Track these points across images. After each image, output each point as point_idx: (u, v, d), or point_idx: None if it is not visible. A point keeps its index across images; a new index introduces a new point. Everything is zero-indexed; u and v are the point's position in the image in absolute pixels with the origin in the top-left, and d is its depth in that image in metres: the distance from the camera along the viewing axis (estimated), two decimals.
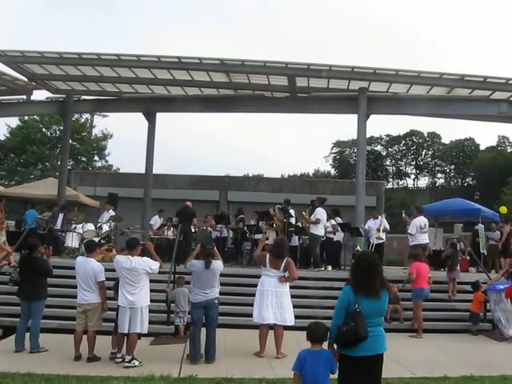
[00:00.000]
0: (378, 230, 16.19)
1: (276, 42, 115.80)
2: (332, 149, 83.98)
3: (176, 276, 11.30)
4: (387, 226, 16.72)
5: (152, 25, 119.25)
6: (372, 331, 5.25)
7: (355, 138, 19.35)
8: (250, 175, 56.93)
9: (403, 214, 16.53)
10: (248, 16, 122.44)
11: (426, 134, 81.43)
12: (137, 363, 8.54)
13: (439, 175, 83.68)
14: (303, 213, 16.22)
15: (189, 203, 16.50)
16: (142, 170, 21.57)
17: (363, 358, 5.21)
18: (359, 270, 5.42)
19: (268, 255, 9.73)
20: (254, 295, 9.90)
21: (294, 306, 9.97)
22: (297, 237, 16.68)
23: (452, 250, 14.82)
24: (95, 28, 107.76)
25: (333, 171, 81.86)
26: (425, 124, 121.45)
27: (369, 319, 5.25)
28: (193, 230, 17.15)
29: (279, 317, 9.47)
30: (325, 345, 5.45)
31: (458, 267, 14.35)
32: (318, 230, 15.44)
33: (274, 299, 9.47)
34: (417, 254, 12.68)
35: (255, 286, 9.97)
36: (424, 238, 14.68)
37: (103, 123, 64.71)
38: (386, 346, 5.45)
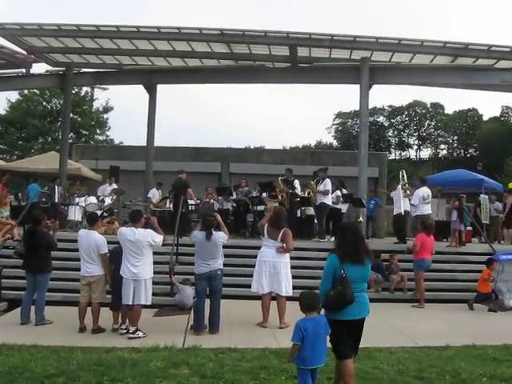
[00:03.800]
0: (405, 189, 15.64)
1: (277, 12, 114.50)
2: (334, 120, 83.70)
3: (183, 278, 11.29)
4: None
5: None
6: (358, 296, 5.64)
7: (357, 108, 19.24)
8: (252, 147, 56.70)
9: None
10: None
11: (428, 105, 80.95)
12: (141, 334, 8.62)
13: (442, 146, 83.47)
14: (311, 182, 16.11)
15: (182, 175, 16.29)
16: (144, 143, 21.51)
17: (350, 321, 5.62)
18: (345, 238, 5.82)
19: (266, 225, 9.75)
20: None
21: (296, 277, 10.01)
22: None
23: (459, 202, 15.01)
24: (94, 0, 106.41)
25: (335, 142, 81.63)
26: (428, 94, 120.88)
27: (354, 284, 5.63)
28: (192, 202, 17.07)
29: (276, 287, 9.54)
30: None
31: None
32: (328, 200, 15.45)
33: (272, 269, 9.53)
34: (430, 225, 12.61)
35: (257, 257, 10.00)
36: (427, 209, 14.63)
37: (104, 96, 64.31)
38: (369, 310, 5.86)
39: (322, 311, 5.79)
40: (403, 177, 16.12)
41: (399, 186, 15.88)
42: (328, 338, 5.67)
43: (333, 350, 5.75)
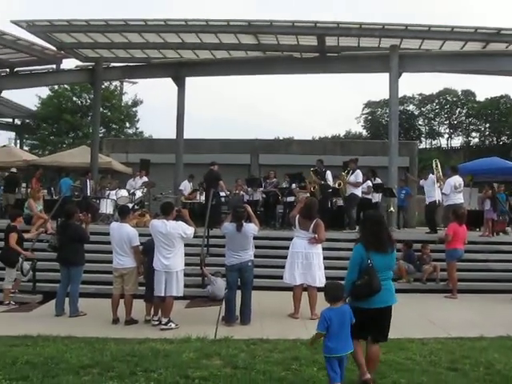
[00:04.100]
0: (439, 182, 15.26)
1: (304, 1, 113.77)
2: (363, 109, 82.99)
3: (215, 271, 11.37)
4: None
5: None
6: (384, 285, 5.73)
7: (387, 97, 19.04)
8: (281, 138, 56.60)
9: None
10: None
11: (459, 92, 79.71)
12: (173, 325, 8.71)
13: (474, 134, 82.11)
14: (342, 173, 16.02)
15: (213, 166, 16.34)
16: (173, 136, 21.62)
17: (376, 309, 5.72)
18: (367, 228, 5.97)
19: (298, 216, 9.74)
20: (286, 257, 9.95)
21: (327, 268, 9.98)
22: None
23: (492, 191, 15.19)
24: None
25: (364, 132, 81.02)
26: (459, 81, 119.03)
27: (379, 273, 5.72)
28: (223, 193, 17.13)
29: (309, 278, 9.53)
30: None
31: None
32: (358, 191, 15.37)
33: (304, 260, 9.51)
34: (462, 214, 12.45)
35: (288, 248, 10.01)
36: (459, 198, 14.42)
37: (133, 90, 64.71)
38: (395, 298, 5.94)
39: (348, 300, 5.85)
40: (437, 166, 15.83)
41: (430, 175, 15.62)
42: None
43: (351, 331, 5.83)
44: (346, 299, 5.81)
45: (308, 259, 9.48)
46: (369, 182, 16.19)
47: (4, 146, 27.58)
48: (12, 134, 38.42)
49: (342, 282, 5.95)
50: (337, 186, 16.05)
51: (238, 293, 9.19)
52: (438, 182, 15.28)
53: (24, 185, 23.31)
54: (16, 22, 17.51)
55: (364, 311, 5.70)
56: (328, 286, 6.02)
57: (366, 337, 5.91)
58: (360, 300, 5.73)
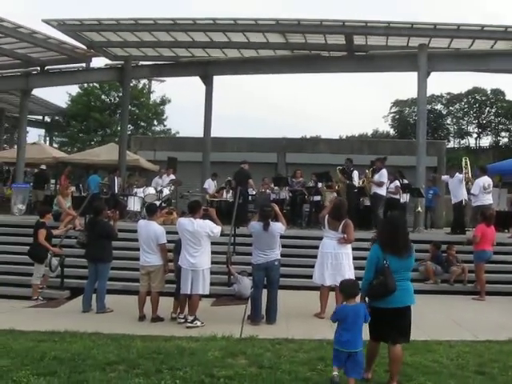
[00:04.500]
0: (467, 182, 15.05)
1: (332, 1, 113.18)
2: (391, 108, 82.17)
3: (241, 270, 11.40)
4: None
5: None
6: (400, 285, 5.76)
7: (415, 96, 19.01)
8: (307, 137, 56.40)
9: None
10: None
11: (489, 92, 78.61)
12: (199, 323, 8.74)
13: (503, 134, 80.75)
14: (366, 171, 15.92)
15: (244, 165, 16.42)
16: (201, 134, 21.71)
17: (393, 309, 5.76)
18: (385, 229, 6.10)
19: (327, 217, 9.70)
20: (313, 257, 9.96)
21: (356, 268, 9.92)
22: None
23: None
24: None
25: (392, 131, 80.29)
26: (488, 80, 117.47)
27: (396, 274, 5.77)
28: (250, 192, 17.17)
29: (339, 278, 9.43)
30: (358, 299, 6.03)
31: None
32: (383, 191, 15.23)
33: (334, 261, 9.46)
34: (490, 215, 12.28)
35: (315, 247, 10.00)
36: (488, 199, 14.25)
37: (161, 88, 65.12)
38: (413, 298, 5.97)
39: (366, 299, 5.97)
40: (466, 165, 15.60)
41: (457, 174, 15.34)
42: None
43: (369, 331, 6.00)
44: (364, 298, 5.94)
45: (338, 259, 9.43)
46: (397, 182, 15.97)
47: (34, 143, 27.90)
48: (42, 131, 38.97)
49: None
50: (360, 183, 15.99)
51: (264, 292, 9.19)
52: (466, 181, 15.08)
53: (53, 181, 23.59)
54: (47, 21, 17.77)
55: (381, 311, 5.79)
56: (343, 283, 6.29)
57: (386, 339, 5.91)
58: (377, 299, 5.82)
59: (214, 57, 20.88)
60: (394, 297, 5.72)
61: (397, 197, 15.78)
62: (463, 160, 15.86)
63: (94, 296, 10.04)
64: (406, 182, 16.61)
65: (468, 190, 14.91)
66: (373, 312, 5.84)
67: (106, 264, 10.11)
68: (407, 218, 16.40)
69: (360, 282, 6.14)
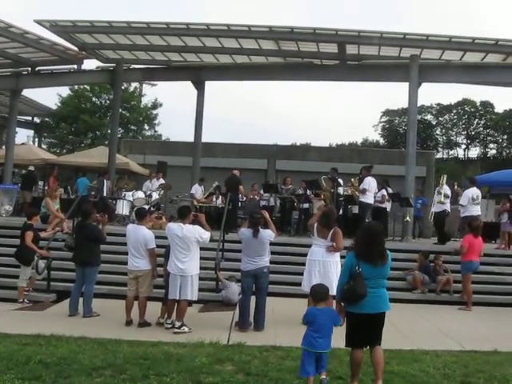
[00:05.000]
0: (439, 193, 15.50)
1: (325, 8, 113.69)
2: (381, 117, 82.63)
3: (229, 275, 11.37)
4: (448, 192, 15.70)
5: None
6: (374, 292, 5.90)
7: (405, 106, 19.09)
8: (298, 144, 56.50)
9: (455, 186, 16.13)
10: None
11: (478, 103, 79.24)
12: (186, 329, 8.71)
13: (491, 145, 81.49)
14: (352, 180, 16.02)
15: (235, 171, 16.47)
16: (191, 138, 21.71)
17: (366, 315, 5.88)
18: (360, 239, 6.20)
19: (316, 225, 9.70)
20: (302, 264, 9.95)
21: None
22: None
23: (510, 204, 15.26)
24: None
25: (381, 140, 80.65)
26: (477, 92, 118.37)
27: (369, 281, 5.90)
28: (240, 198, 17.18)
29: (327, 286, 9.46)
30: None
31: None
32: (368, 199, 15.25)
33: (322, 269, 9.45)
34: (477, 226, 12.34)
35: (303, 255, 9.99)
36: (476, 210, 14.34)
37: (152, 92, 65.08)
38: (388, 305, 6.08)
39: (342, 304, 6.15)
40: (442, 181, 15.97)
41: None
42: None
43: (347, 339, 6.09)
44: (339, 303, 6.17)
45: (326, 267, 9.41)
46: (384, 191, 16.09)
47: (23, 143, 27.74)
48: (31, 132, 38.71)
49: None
50: (349, 192, 16.07)
51: (252, 298, 9.18)
52: (438, 194, 15.56)
53: (41, 183, 23.47)
54: (39, 22, 17.75)
55: (355, 316, 5.93)
56: (313, 287, 6.53)
57: (366, 344, 6.05)
58: (350, 304, 5.96)
59: (207, 62, 20.91)
60: (367, 302, 5.83)
61: (383, 206, 15.90)
62: (442, 178, 16.27)
63: (80, 300, 9.95)
64: (390, 191, 16.70)
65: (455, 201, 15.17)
66: (348, 317, 6.03)
67: (93, 268, 10.04)
68: (395, 227, 16.59)
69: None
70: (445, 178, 16.20)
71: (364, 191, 15.14)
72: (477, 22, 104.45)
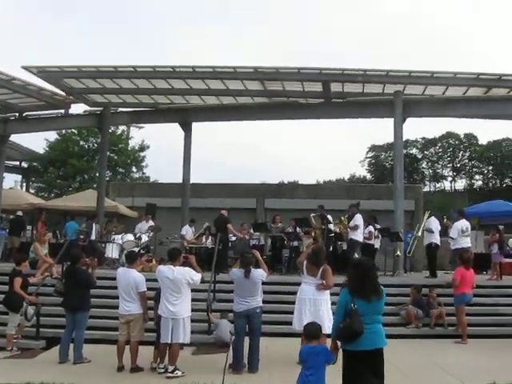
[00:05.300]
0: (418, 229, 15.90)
1: (310, 49, 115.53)
2: (367, 153, 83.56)
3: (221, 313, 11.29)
4: (432, 226, 15.76)
5: (185, 37, 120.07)
6: (369, 328, 5.80)
7: (390, 141, 19.35)
8: (285, 182, 56.75)
9: (444, 219, 16.24)
10: (279, 23, 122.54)
11: (462, 136, 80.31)
12: (179, 373, 8.57)
13: (477, 177, 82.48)
14: (341, 218, 16.12)
15: (223, 211, 16.51)
16: (179, 180, 21.73)
17: (363, 352, 5.75)
18: (352, 275, 6.14)
19: (305, 262, 9.66)
20: (293, 303, 9.84)
21: (334, 313, 9.85)
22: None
23: (499, 234, 15.44)
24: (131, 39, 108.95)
25: (368, 176, 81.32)
26: (461, 125, 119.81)
27: (365, 317, 5.80)
28: (232, 238, 17.16)
29: None
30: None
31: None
32: (358, 236, 15.32)
33: (312, 307, 9.37)
34: (468, 258, 12.35)
35: (295, 293, 9.91)
36: (466, 242, 14.43)
37: (140, 134, 65.18)
38: (384, 341, 5.97)
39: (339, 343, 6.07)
40: (424, 219, 16.36)
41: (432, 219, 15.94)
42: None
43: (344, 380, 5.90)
44: (335, 341, 6.05)
45: (316, 306, 9.33)
46: (370, 228, 16.16)
47: (10, 188, 27.64)
48: (18, 177, 38.64)
49: None
50: (338, 230, 16.16)
51: (246, 339, 9.07)
52: (417, 231, 16.33)
53: (29, 228, 23.31)
54: (26, 68, 17.84)
55: (353, 354, 5.80)
56: (305, 326, 6.59)
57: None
58: (347, 342, 5.86)
59: (193, 104, 21.07)
60: (364, 339, 5.73)
61: (371, 242, 15.98)
62: (426, 214, 16.60)
63: (71, 346, 9.79)
64: (377, 226, 16.77)
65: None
66: (345, 355, 5.89)
67: (84, 313, 9.91)
68: (386, 261, 16.62)
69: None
70: (427, 215, 16.45)
71: (356, 228, 15.23)
72: (459, 57, 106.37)
